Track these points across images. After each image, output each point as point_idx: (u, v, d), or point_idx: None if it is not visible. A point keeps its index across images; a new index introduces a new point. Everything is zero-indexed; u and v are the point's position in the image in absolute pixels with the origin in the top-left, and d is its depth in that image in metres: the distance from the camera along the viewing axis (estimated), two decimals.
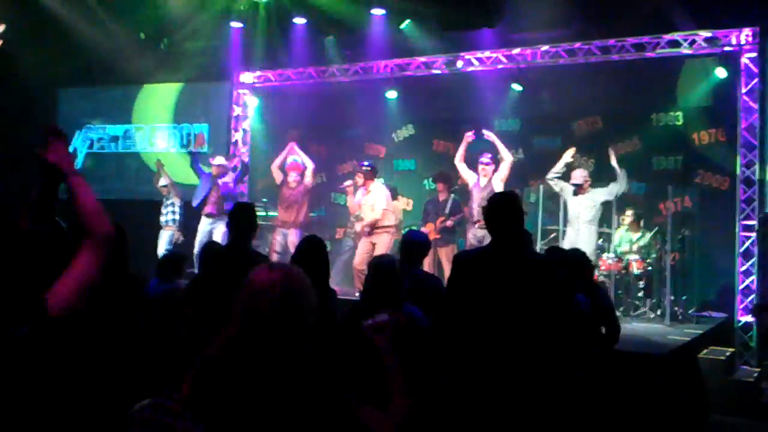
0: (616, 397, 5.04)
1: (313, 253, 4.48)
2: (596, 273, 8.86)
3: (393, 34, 10.62)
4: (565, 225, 8.94)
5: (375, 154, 12.00)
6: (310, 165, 9.66)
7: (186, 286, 4.92)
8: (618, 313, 7.55)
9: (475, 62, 10.36)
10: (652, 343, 6.93)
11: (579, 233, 8.20)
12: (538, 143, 11.12)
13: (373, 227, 8.62)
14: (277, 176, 9.73)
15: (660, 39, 9.29)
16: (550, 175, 8.70)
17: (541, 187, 9.52)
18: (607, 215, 9.28)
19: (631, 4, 9.43)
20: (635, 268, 8.86)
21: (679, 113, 10.30)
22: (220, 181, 9.73)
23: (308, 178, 9.61)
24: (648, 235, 9.29)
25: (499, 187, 8.45)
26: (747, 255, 8.65)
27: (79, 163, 13.47)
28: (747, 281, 8.61)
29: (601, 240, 9.29)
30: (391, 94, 11.23)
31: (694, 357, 7.14)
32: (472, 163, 8.97)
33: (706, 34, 9.06)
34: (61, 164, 2.16)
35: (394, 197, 9.48)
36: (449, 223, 8.96)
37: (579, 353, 4.25)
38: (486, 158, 8.74)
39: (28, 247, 2.13)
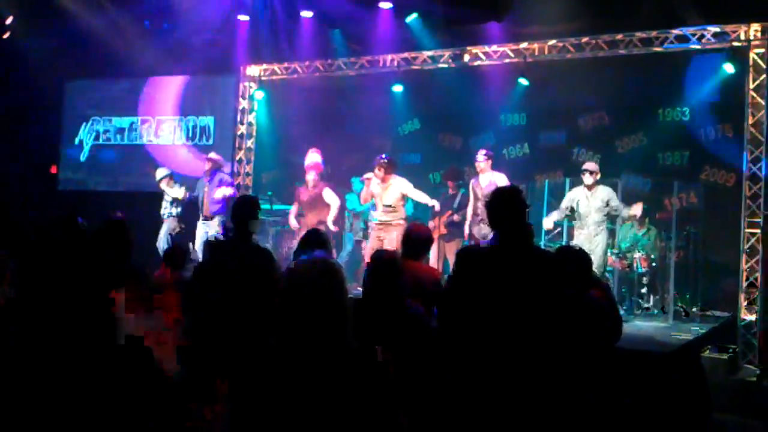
0: (618, 394, 5.03)
1: (317, 246, 4.48)
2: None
3: (400, 28, 10.61)
4: (571, 222, 8.87)
5: (380, 147, 11.99)
6: (335, 205, 9.37)
7: (190, 276, 4.96)
8: (622, 311, 7.56)
9: (482, 56, 10.32)
10: (655, 341, 6.91)
11: (591, 234, 8.13)
12: (544, 138, 11.10)
13: (385, 221, 8.54)
14: (293, 225, 9.56)
15: (668, 34, 9.23)
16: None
17: (546, 181, 9.50)
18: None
19: None
20: (639, 265, 8.83)
21: (686, 108, 10.25)
22: (210, 186, 9.63)
23: (330, 218, 9.29)
24: (652, 232, 9.26)
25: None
26: (752, 252, 8.60)
27: (84, 155, 13.52)
28: (751, 278, 8.57)
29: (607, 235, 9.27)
30: (397, 88, 11.21)
31: (697, 355, 7.12)
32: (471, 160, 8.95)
33: (714, 29, 9.00)
34: None
35: None
36: (456, 217, 8.96)
37: (590, 349, 4.24)
38: (482, 155, 8.70)
39: None
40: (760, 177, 8.62)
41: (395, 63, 10.85)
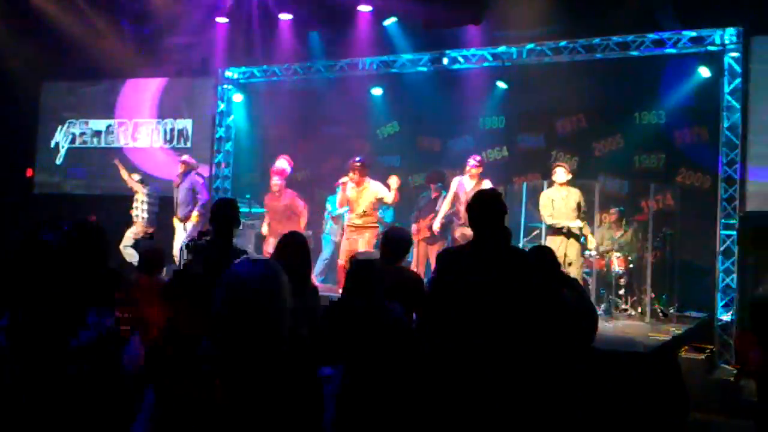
0: (595, 394, 5.06)
1: (295, 249, 4.46)
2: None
3: (378, 31, 10.63)
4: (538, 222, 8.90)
5: (359, 150, 11.98)
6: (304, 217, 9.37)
7: (168, 280, 4.89)
8: (600, 311, 7.61)
9: (461, 60, 10.37)
10: (633, 341, 6.96)
11: (565, 234, 8.16)
12: (522, 141, 11.15)
13: (358, 224, 8.54)
14: (263, 231, 9.50)
15: (644, 38, 9.34)
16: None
17: (525, 184, 9.55)
18: (589, 213, 9.32)
19: (616, 3, 9.46)
20: (617, 266, 8.90)
21: (663, 112, 10.35)
22: (182, 187, 9.54)
23: (300, 207, 9.31)
24: (630, 233, 9.35)
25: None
26: (727, 254, 8.71)
27: (61, 158, 13.37)
28: (727, 280, 8.68)
29: (582, 238, 9.32)
30: (376, 91, 11.22)
31: (674, 355, 7.18)
32: (459, 161, 8.95)
33: (690, 33, 9.11)
34: None
35: None
36: (440, 221, 8.97)
37: (566, 347, 4.28)
38: (474, 160, 8.71)
39: None
40: (735, 179, 8.74)
41: (374, 66, 10.86)
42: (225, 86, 12.08)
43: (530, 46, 9.91)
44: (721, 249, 8.71)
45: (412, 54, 10.64)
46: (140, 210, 10.22)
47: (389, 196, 8.40)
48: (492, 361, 3.44)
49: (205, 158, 11.68)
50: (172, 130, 12.53)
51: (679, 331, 7.79)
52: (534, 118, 11.00)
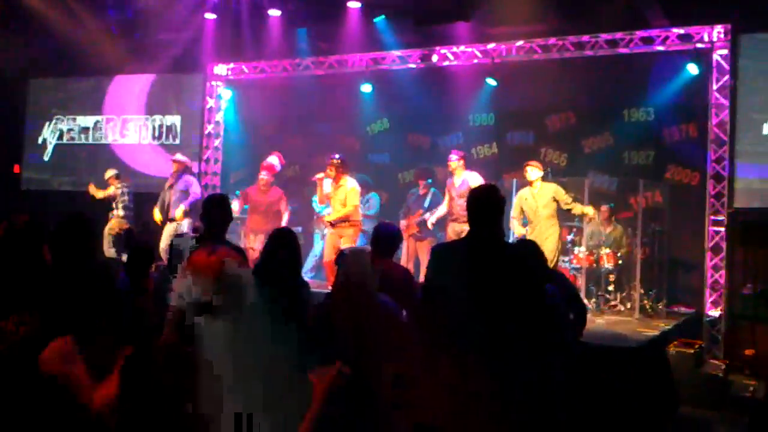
0: (585, 389, 5.07)
1: (285, 245, 4.43)
2: (566, 266, 8.94)
3: (368, 28, 10.60)
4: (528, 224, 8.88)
5: (349, 147, 11.96)
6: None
7: (156, 279, 4.87)
8: (589, 306, 7.63)
9: (450, 57, 10.38)
10: (622, 336, 6.99)
11: (541, 230, 8.14)
12: (512, 138, 11.16)
13: (340, 221, 8.50)
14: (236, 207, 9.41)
15: (633, 35, 9.37)
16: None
17: (515, 181, 9.56)
18: None
19: (605, 0, 9.49)
20: (606, 262, 8.93)
21: (651, 109, 10.38)
22: (176, 188, 9.43)
23: (283, 208, 9.34)
24: (619, 230, 9.38)
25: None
26: (716, 250, 8.76)
27: (48, 154, 13.28)
28: (716, 276, 8.72)
29: (572, 234, 9.35)
30: (366, 88, 11.19)
31: (663, 351, 7.21)
32: (446, 157, 8.93)
33: (678, 30, 9.15)
34: None
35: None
36: (428, 217, 8.96)
37: (556, 342, 4.29)
38: (456, 155, 8.66)
39: None
40: (724, 176, 8.79)
41: (363, 63, 10.85)
42: (213, 82, 12.03)
43: (520, 43, 9.94)
44: (710, 245, 8.76)
45: (402, 51, 10.64)
46: (116, 206, 10.23)
47: (349, 208, 8.22)
48: (487, 356, 3.44)
49: (194, 155, 11.62)
50: (160, 126, 12.47)
51: (668, 327, 7.83)
52: (523, 115, 11.00)
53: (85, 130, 13.02)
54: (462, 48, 10.27)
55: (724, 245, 8.72)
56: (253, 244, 8.97)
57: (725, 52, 8.88)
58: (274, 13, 10.81)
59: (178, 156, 9.85)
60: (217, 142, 11.97)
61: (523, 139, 10.95)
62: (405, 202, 9.64)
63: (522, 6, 9.52)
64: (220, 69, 11.99)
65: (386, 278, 4.37)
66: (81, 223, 3.49)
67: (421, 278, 4.25)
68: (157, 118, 12.50)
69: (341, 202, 8.22)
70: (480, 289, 3.49)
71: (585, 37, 9.59)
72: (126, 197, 10.33)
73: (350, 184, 8.28)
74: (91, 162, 12.68)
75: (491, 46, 10.09)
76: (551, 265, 7.86)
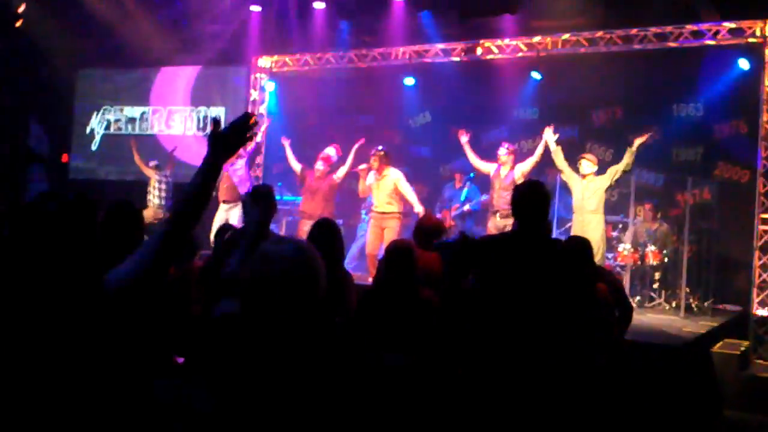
0: (627, 387, 5.01)
1: (327, 236, 4.45)
2: (609, 262, 8.82)
3: (412, 20, 10.57)
4: (571, 214, 8.79)
5: (391, 140, 11.95)
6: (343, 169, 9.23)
7: (200, 268, 4.92)
8: (633, 305, 7.51)
9: (495, 50, 10.28)
10: (666, 334, 6.88)
11: (585, 223, 8.03)
12: (556, 132, 11.01)
13: (381, 213, 8.50)
14: (296, 167, 9.41)
15: (683, 29, 9.17)
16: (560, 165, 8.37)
17: (558, 176, 9.45)
18: (624, 205, 9.20)
19: None
20: (651, 260, 8.78)
21: (700, 104, 10.18)
22: (231, 169, 9.58)
23: (340, 173, 9.18)
24: (665, 227, 9.23)
25: (519, 178, 8.26)
26: (765, 249, 8.55)
27: (96, 144, 13.54)
28: (764, 275, 8.52)
29: (617, 231, 9.22)
30: (409, 81, 11.17)
31: (707, 350, 7.08)
32: (491, 152, 8.86)
33: (729, 24, 8.93)
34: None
35: None
36: (466, 208, 8.92)
37: (602, 339, 4.25)
38: (505, 148, 8.57)
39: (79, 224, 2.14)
40: None
41: (407, 56, 10.82)
42: (257, 75, 12.12)
43: (566, 36, 9.80)
44: (759, 244, 8.56)
45: (446, 43, 10.58)
46: (153, 195, 10.43)
47: (407, 189, 8.28)
48: (529, 349, 3.41)
49: None
50: (205, 117, 12.62)
51: (714, 326, 7.68)
52: (568, 109, 10.86)
53: (132, 120, 13.25)
54: (507, 41, 10.16)
55: None
56: (305, 228, 9.04)
57: None
58: (319, 5, 10.85)
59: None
60: (260, 134, 12.05)
61: (568, 134, 10.82)
62: (440, 196, 9.60)
63: None
64: (264, 61, 12.07)
65: (428, 271, 4.37)
66: (130, 211, 3.54)
67: None
68: (202, 109, 12.66)
69: (388, 193, 8.26)
70: (529, 285, 3.46)
71: (633, 31, 9.41)
72: (163, 186, 10.51)
73: (395, 174, 8.33)
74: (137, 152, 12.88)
75: (537, 39, 9.97)
76: (597, 259, 7.76)
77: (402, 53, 10.84)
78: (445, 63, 10.80)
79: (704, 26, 9.08)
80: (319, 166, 9.17)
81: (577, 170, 8.07)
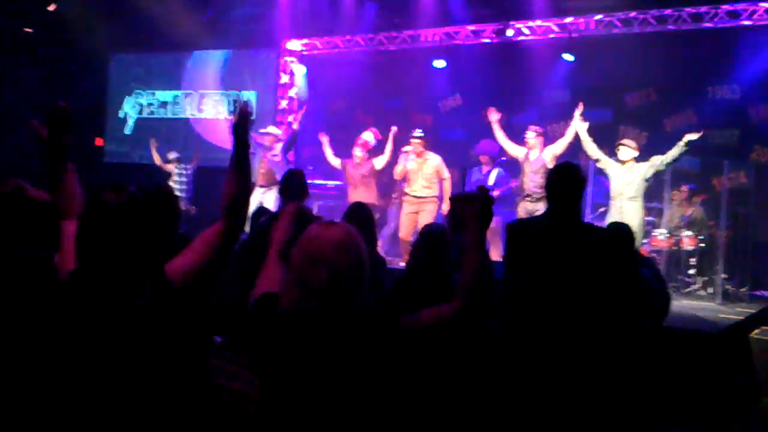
0: (664, 374, 4.97)
1: (360, 219, 4.45)
2: (645, 248, 8.71)
3: (442, 2, 10.49)
4: (609, 200, 8.67)
5: (421, 123, 11.89)
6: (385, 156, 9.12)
7: (236, 250, 4.94)
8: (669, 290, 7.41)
9: (526, 31, 10.16)
10: (703, 320, 6.80)
11: (623, 210, 7.88)
12: (589, 116, 10.83)
13: (418, 197, 8.52)
14: (335, 163, 9.33)
15: (718, 9, 8.99)
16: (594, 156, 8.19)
17: (591, 161, 9.34)
18: (659, 190, 9.06)
19: None
20: (687, 245, 8.66)
21: (736, 86, 9.98)
22: (269, 155, 9.58)
23: (379, 164, 9.07)
24: (700, 211, 9.09)
25: (550, 161, 8.17)
26: None
27: (129, 128, 13.65)
28: None
29: (652, 216, 9.09)
30: (439, 63, 11.09)
31: (745, 337, 6.97)
32: (521, 136, 8.77)
33: (766, 5, 8.72)
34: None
35: None
36: (496, 193, 8.84)
37: (645, 327, 4.21)
38: (533, 131, 8.45)
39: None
40: None
41: (437, 38, 10.73)
42: (287, 58, 12.11)
43: (599, 17, 9.64)
44: None
45: (476, 25, 10.46)
46: (174, 189, 10.47)
47: (446, 174, 8.38)
48: (564, 333, 3.38)
49: None
50: (236, 101, 12.65)
51: (751, 312, 7.55)
52: (601, 92, 10.69)
53: (164, 104, 13.33)
54: (538, 22, 10.04)
55: None
56: None
57: None
58: None
59: (272, 128, 9.88)
60: (290, 118, 12.07)
61: (601, 117, 10.67)
62: (467, 180, 9.51)
63: None
64: (294, 44, 12.06)
65: (461, 256, 4.33)
66: (166, 195, 3.55)
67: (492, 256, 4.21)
68: (233, 93, 12.70)
69: (427, 177, 8.29)
70: (565, 270, 3.43)
71: (668, 11, 9.24)
72: (184, 179, 10.55)
73: (435, 159, 8.36)
74: (169, 136, 12.97)
75: (569, 20, 9.83)
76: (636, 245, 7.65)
77: (432, 35, 10.76)
78: (476, 45, 10.70)
79: (740, 6, 8.89)
80: (357, 152, 9.10)
81: (614, 155, 7.89)
